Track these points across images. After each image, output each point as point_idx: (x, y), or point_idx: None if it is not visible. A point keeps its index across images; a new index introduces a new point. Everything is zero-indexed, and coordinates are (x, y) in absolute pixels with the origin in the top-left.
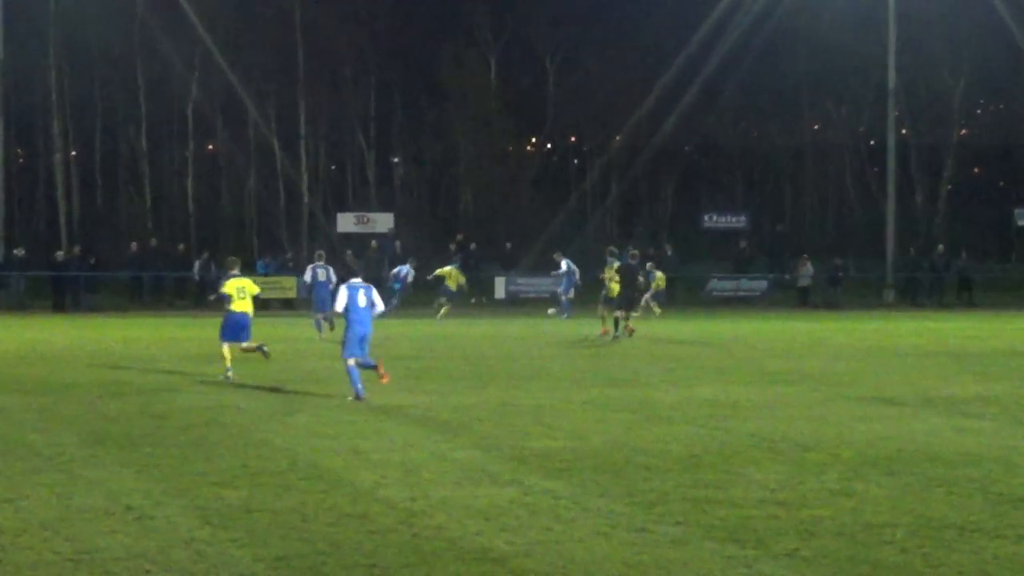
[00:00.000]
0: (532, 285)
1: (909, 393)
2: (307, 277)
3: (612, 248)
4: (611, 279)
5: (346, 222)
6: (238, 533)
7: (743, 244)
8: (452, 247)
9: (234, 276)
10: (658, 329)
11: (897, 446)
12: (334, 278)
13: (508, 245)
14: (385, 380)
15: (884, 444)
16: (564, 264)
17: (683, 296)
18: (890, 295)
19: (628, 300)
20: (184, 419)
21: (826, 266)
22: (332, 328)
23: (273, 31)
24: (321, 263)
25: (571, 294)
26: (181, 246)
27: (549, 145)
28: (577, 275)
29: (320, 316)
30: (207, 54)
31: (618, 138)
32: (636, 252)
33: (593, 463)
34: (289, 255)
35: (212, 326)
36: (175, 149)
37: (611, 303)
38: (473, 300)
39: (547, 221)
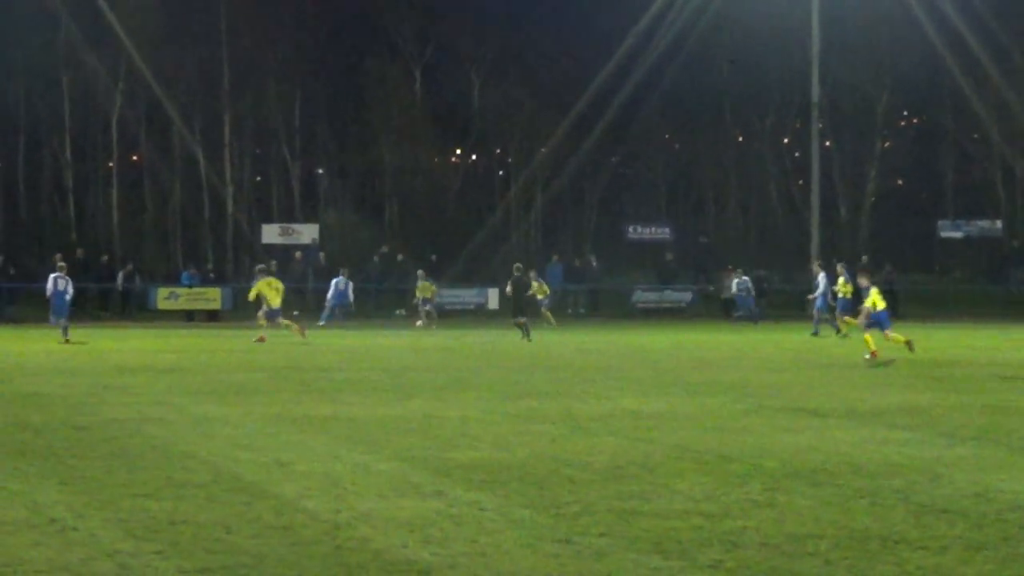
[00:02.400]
0: (457, 296)
1: (833, 404)
2: (48, 286)
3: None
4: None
5: (271, 233)
6: (162, 545)
7: (669, 256)
8: (376, 259)
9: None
10: (581, 340)
11: (821, 457)
12: (71, 289)
13: (433, 257)
14: None
15: (808, 455)
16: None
17: (608, 307)
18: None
19: (519, 309)
20: (107, 431)
21: (750, 278)
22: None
23: (198, 43)
24: (61, 274)
25: None
26: (105, 257)
27: (474, 156)
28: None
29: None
30: (132, 65)
31: (543, 150)
32: (520, 265)
33: (518, 474)
34: (210, 267)
35: (136, 337)
36: (99, 160)
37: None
38: (397, 311)
39: (472, 232)
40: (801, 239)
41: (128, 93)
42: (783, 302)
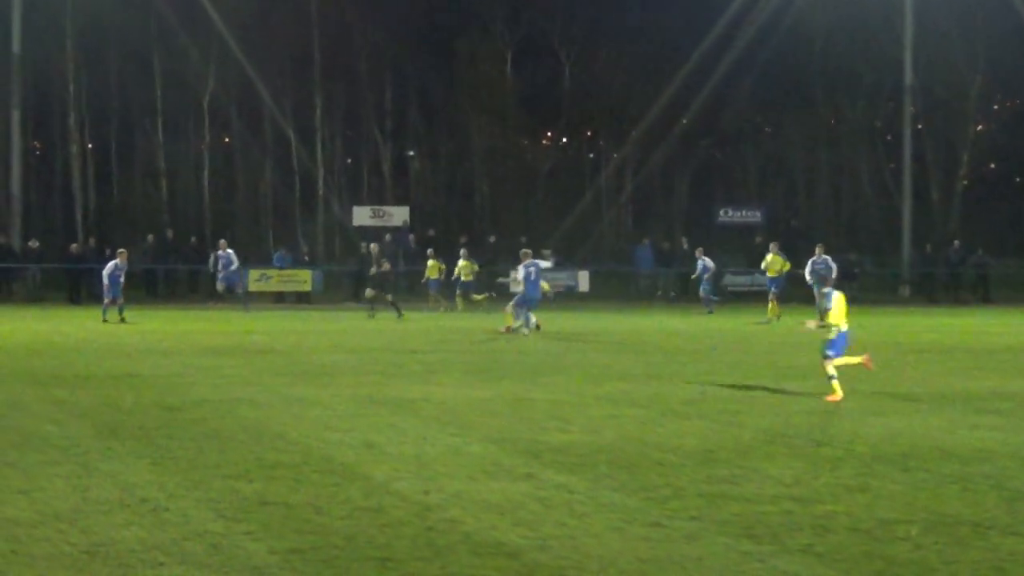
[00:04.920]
0: (545, 278)
1: (924, 389)
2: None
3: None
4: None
5: (362, 215)
6: (252, 526)
7: (758, 239)
8: (463, 240)
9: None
10: (670, 323)
11: (911, 442)
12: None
13: (523, 239)
14: None
15: (898, 440)
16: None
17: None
18: (906, 291)
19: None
20: (198, 412)
21: (840, 261)
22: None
23: (289, 24)
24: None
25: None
26: (193, 239)
27: (564, 139)
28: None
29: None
30: (223, 46)
31: (633, 133)
32: (367, 244)
33: (607, 458)
34: (305, 248)
35: (225, 320)
36: (191, 141)
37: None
38: (485, 294)
39: (562, 215)
40: (892, 223)
41: (220, 75)
42: (874, 285)
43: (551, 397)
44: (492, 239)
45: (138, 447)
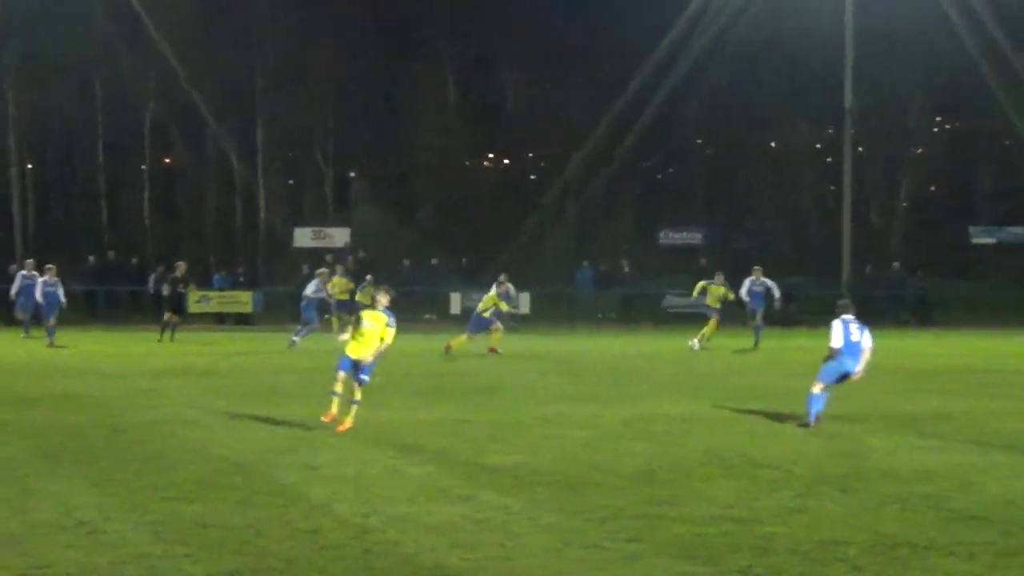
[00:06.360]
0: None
1: (865, 410)
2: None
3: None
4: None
5: (303, 237)
6: (192, 548)
7: (703, 261)
8: (406, 262)
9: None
10: (612, 345)
11: (852, 463)
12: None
13: (464, 260)
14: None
15: (838, 461)
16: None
17: (639, 313)
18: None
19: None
20: (140, 434)
21: (782, 284)
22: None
23: (231, 45)
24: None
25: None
26: (135, 259)
27: (507, 161)
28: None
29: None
30: (165, 68)
31: (576, 154)
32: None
33: (547, 479)
34: (240, 270)
35: (167, 340)
36: (132, 162)
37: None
38: (426, 316)
39: (505, 237)
40: (834, 245)
41: (161, 95)
42: (816, 307)
43: (492, 419)
44: (434, 261)
45: (80, 469)
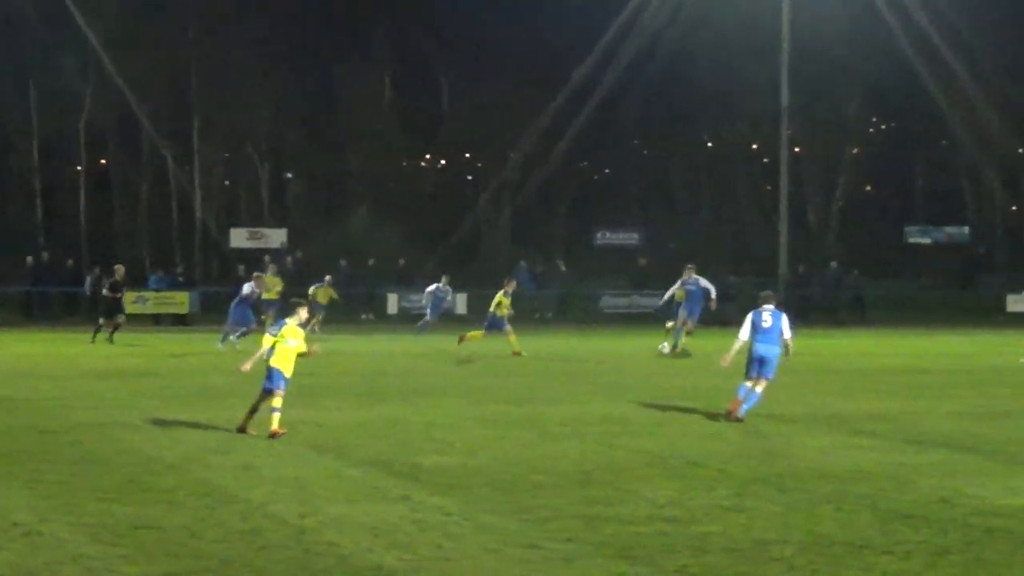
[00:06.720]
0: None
1: (801, 410)
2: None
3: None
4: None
5: (239, 237)
6: (127, 550)
7: (641, 261)
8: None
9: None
10: (549, 346)
11: (787, 463)
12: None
13: (401, 261)
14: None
15: (774, 460)
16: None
17: (577, 313)
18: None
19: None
20: (74, 435)
21: (720, 283)
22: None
23: (167, 46)
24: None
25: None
26: (70, 261)
27: (443, 162)
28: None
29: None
30: (100, 68)
31: (512, 155)
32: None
33: (484, 480)
34: (179, 270)
35: (103, 341)
36: (68, 164)
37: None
38: (363, 316)
39: (442, 238)
40: (772, 244)
41: (96, 97)
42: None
43: (429, 419)
44: (371, 262)
45: (12, 470)
